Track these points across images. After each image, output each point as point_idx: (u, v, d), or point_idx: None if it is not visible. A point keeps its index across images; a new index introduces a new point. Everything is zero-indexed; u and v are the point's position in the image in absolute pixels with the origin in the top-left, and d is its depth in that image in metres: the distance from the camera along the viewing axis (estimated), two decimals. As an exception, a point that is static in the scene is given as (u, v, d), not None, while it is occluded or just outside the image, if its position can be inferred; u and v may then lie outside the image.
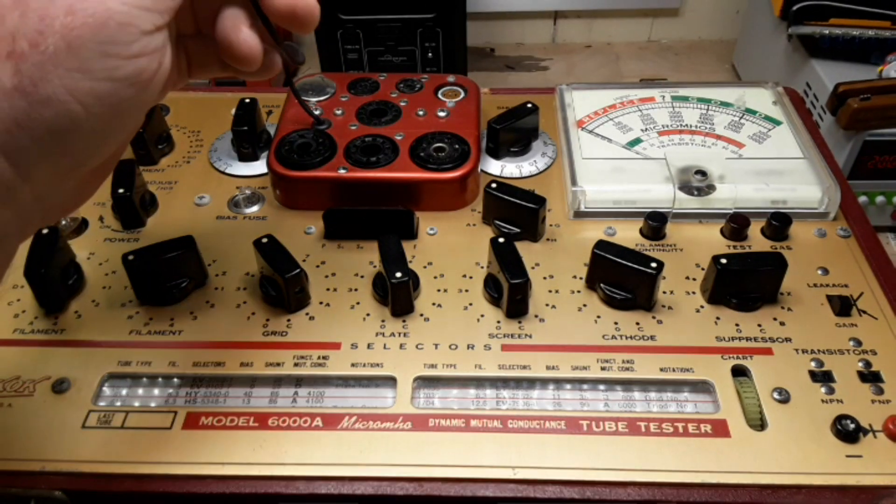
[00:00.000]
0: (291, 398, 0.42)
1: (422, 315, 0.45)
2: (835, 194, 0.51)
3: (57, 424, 0.40)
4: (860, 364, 0.42)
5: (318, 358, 0.43)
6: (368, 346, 0.44)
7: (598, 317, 0.45)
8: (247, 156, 0.56)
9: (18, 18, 0.26)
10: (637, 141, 0.56)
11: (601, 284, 0.46)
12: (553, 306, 0.46)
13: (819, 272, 0.48)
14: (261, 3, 0.32)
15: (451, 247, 0.50)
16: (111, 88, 0.28)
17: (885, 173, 0.81)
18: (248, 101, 0.57)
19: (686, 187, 0.52)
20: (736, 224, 0.49)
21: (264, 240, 0.45)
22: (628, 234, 0.51)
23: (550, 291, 0.47)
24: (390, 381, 0.42)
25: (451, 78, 0.60)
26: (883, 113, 0.77)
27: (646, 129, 0.57)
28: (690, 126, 0.57)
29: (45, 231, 0.45)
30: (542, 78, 1.19)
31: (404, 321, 0.45)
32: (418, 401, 0.41)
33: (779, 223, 0.49)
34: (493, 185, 0.50)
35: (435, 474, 0.38)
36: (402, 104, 0.57)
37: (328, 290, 0.47)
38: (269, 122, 0.60)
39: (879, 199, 0.84)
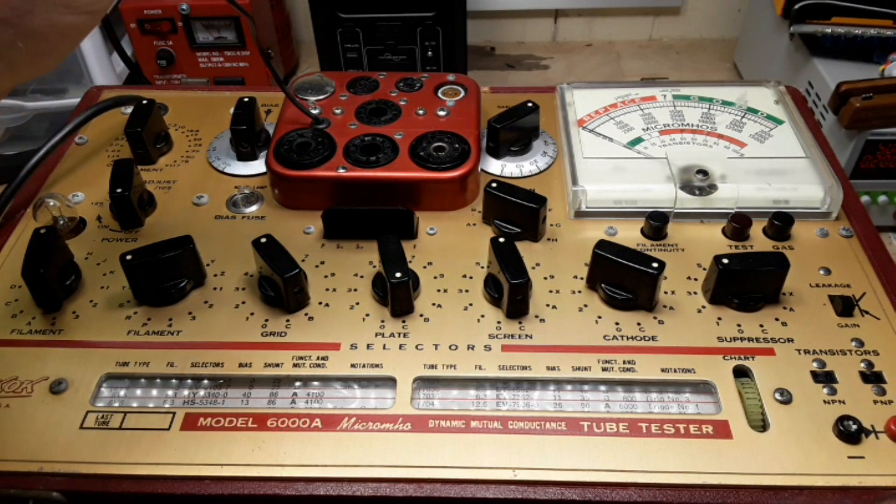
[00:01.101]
0: (290, 399, 0.42)
1: (422, 315, 0.45)
2: (837, 194, 0.50)
3: (55, 425, 0.40)
4: (862, 365, 0.42)
5: (318, 358, 0.43)
6: (368, 346, 0.43)
7: (599, 317, 0.45)
8: (245, 155, 0.56)
9: None
10: (638, 140, 0.56)
11: (602, 284, 0.45)
12: (554, 306, 0.46)
13: (821, 272, 0.47)
14: None
15: (451, 247, 0.50)
16: (87, 21, 0.32)
17: (888, 173, 0.81)
18: (246, 100, 0.57)
19: (687, 187, 0.52)
20: (738, 224, 0.49)
21: (263, 240, 0.45)
22: (629, 234, 0.50)
23: (551, 292, 0.46)
24: (390, 382, 0.42)
25: (451, 77, 0.59)
26: (885, 112, 0.76)
27: (647, 129, 0.57)
28: (692, 125, 0.57)
29: (42, 231, 0.45)
30: (543, 77, 1.18)
31: (404, 321, 0.45)
32: (418, 402, 0.41)
33: (781, 223, 0.49)
34: (494, 185, 0.49)
35: (435, 475, 0.37)
36: (402, 103, 0.57)
37: (327, 290, 0.47)
38: (267, 122, 0.60)
39: (882, 198, 0.84)
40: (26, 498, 0.37)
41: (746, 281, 0.44)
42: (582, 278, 0.47)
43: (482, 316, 0.45)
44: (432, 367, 0.42)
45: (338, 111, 0.56)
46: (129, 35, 0.97)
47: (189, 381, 0.42)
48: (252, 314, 0.45)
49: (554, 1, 1.21)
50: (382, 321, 0.45)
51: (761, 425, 0.39)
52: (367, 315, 0.45)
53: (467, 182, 0.52)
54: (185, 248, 0.45)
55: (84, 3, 0.31)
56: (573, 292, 0.46)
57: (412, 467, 0.38)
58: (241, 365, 0.42)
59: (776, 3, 0.95)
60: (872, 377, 0.41)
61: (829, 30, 0.88)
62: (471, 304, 0.46)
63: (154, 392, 0.42)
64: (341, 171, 0.51)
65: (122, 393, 0.42)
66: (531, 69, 1.20)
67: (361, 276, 0.48)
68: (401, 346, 0.43)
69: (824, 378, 0.41)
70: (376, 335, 0.44)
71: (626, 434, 0.39)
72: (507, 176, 0.55)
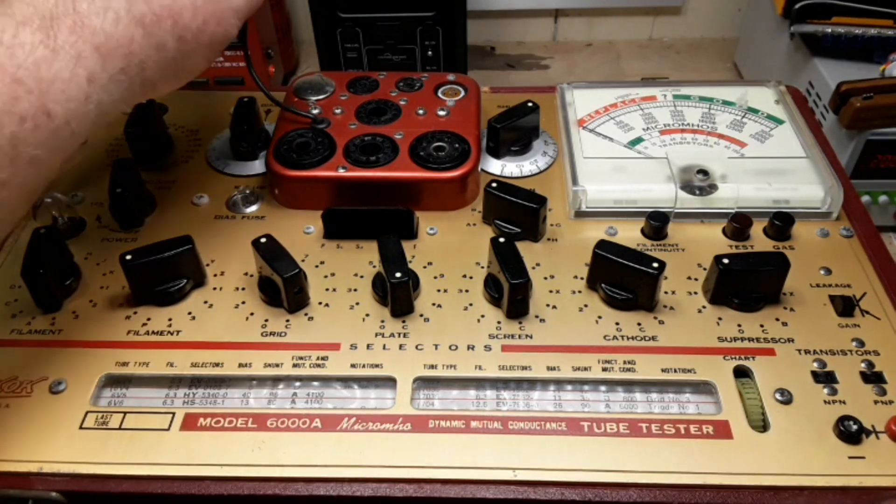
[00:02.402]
0: (290, 399, 0.42)
1: (422, 315, 0.45)
2: (837, 194, 0.50)
3: (54, 425, 0.40)
4: (863, 365, 0.42)
5: (318, 359, 0.43)
6: (368, 346, 0.43)
7: (600, 317, 0.45)
8: (245, 155, 0.56)
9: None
10: (638, 140, 0.56)
11: (602, 284, 0.45)
12: (554, 307, 0.46)
13: (822, 272, 0.47)
14: None
15: (451, 247, 0.50)
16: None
17: (888, 173, 0.81)
18: (246, 100, 0.57)
19: (688, 187, 0.51)
20: (738, 224, 0.49)
21: (263, 239, 0.45)
22: (630, 234, 0.50)
23: (551, 292, 0.46)
24: (390, 382, 0.42)
25: (451, 76, 0.59)
26: (885, 112, 0.76)
27: (647, 129, 0.57)
28: (692, 125, 0.57)
29: (42, 231, 0.45)
30: (543, 76, 1.18)
31: (404, 321, 0.45)
32: (418, 402, 0.41)
33: (781, 223, 0.49)
34: (494, 185, 0.49)
35: (435, 476, 0.37)
36: (402, 103, 0.57)
37: (327, 290, 0.47)
38: (267, 122, 0.60)
39: (882, 198, 0.84)
40: (26, 498, 0.37)
41: (747, 281, 0.44)
42: (582, 278, 0.47)
43: (482, 316, 0.45)
44: (432, 367, 0.42)
45: (338, 111, 0.56)
46: (129, 35, 0.96)
47: (189, 381, 0.42)
48: (252, 314, 0.45)
49: (554, 1, 1.20)
50: (382, 321, 0.45)
51: (761, 425, 0.39)
52: (367, 315, 0.45)
53: (467, 182, 0.52)
54: (185, 248, 0.45)
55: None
56: (573, 292, 0.46)
57: (412, 467, 0.38)
58: (241, 365, 0.42)
59: (776, 2, 0.95)
60: (873, 377, 0.41)
61: (829, 30, 0.88)
62: (471, 304, 0.46)
63: (154, 392, 0.42)
64: (341, 171, 0.51)
65: (122, 393, 0.42)
66: (531, 69, 1.20)
67: (361, 276, 0.48)
68: (401, 346, 0.43)
69: (825, 378, 0.41)
70: (376, 335, 0.44)
71: (626, 434, 0.39)
72: (507, 176, 0.55)
